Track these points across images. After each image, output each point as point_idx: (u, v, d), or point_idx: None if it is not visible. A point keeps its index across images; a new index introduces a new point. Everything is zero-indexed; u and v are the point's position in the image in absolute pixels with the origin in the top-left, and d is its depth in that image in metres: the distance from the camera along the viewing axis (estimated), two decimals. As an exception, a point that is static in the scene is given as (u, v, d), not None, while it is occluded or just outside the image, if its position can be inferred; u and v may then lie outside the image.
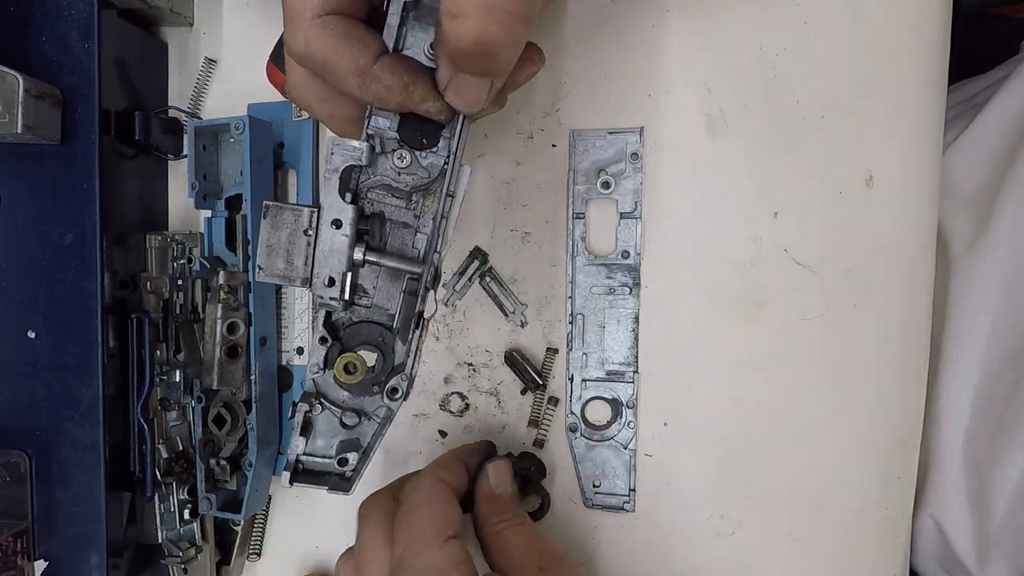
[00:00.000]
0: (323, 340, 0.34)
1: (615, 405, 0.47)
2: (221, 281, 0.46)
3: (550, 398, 0.48)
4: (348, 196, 0.32)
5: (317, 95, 0.33)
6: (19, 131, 0.41)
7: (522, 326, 0.48)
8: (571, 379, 0.47)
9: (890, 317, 0.44)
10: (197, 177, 0.47)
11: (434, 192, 0.34)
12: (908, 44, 0.43)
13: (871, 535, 0.44)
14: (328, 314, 0.34)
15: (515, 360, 0.48)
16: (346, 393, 0.34)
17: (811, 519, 0.45)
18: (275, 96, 0.48)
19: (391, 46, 0.31)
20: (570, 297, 0.47)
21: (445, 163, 0.33)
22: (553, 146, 0.47)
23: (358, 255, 0.32)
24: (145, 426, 0.47)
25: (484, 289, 0.48)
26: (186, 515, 0.49)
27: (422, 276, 0.33)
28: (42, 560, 0.46)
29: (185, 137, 0.50)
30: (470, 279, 0.48)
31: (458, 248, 0.49)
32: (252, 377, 0.47)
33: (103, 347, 0.45)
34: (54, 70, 0.44)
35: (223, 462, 0.48)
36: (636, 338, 0.46)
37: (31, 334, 0.46)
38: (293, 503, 0.52)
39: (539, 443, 0.48)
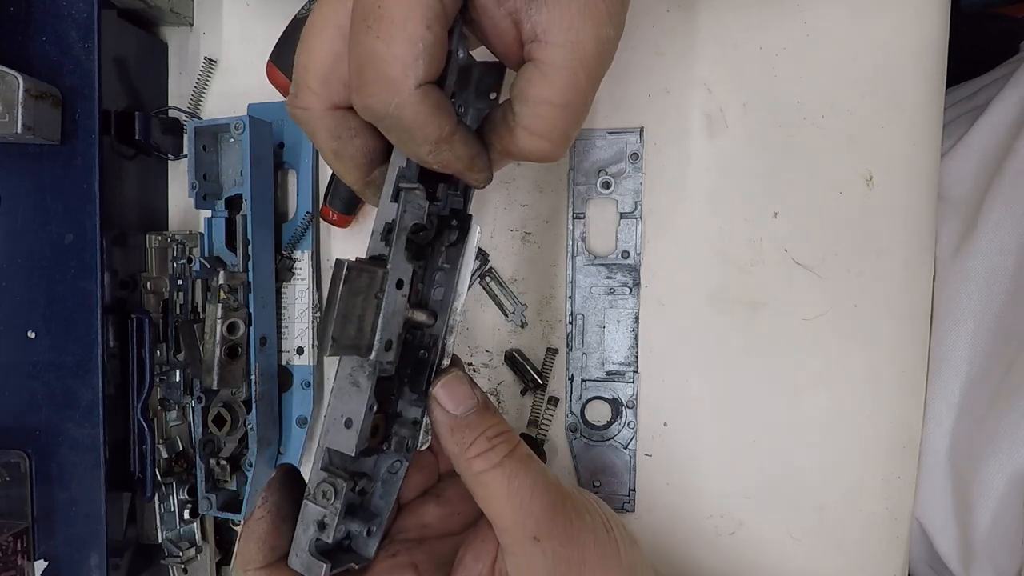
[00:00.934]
0: (372, 408, 0.30)
1: (615, 405, 0.47)
2: (221, 281, 0.46)
3: (550, 398, 0.48)
4: (407, 254, 0.30)
5: (330, 129, 0.31)
6: (19, 131, 0.41)
7: (522, 326, 0.48)
8: (571, 379, 0.47)
9: (890, 317, 0.44)
10: (197, 177, 0.47)
11: (433, 243, 0.33)
12: (908, 44, 0.43)
13: (871, 535, 0.45)
14: (380, 380, 0.30)
15: (515, 360, 0.48)
16: (349, 457, 0.31)
17: (811, 519, 0.45)
18: (275, 96, 0.48)
19: None
20: (570, 297, 0.47)
21: (448, 218, 0.32)
22: (553, 146, 0.47)
23: (411, 315, 0.31)
24: (145, 426, 0.47)
25: (484, 289, 0.48)
26: (186, 515, 0.49)
27: (439, 328, 0.32)
28: (42, 560, 0.46)
29: (185, 137, 0.50)
30: (470, 280, 0.48)
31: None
32: (252, 377, 0.47)
33: (103, 347, 0.45)
34: (54, 70, 0.44)
35: (223, 462, 0.48)
36: (636, 338, 0.46)
37: (31, 334, 0.46)
38: (293, 503, 0.52)
39: (539, 443, 0.48)
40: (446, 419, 0.32)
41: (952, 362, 0.46)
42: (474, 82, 0.33)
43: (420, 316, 0.32)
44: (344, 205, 0.48)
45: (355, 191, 0.34)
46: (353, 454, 0.30)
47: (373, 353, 0.29)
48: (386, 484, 0.33)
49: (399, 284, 0.30)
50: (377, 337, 0.29)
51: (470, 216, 0.33)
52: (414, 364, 0.32)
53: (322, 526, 0.31)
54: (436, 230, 0.32)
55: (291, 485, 0.33)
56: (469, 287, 0.33)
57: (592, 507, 0.33)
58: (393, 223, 0.30)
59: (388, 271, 0.29)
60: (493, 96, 0.34)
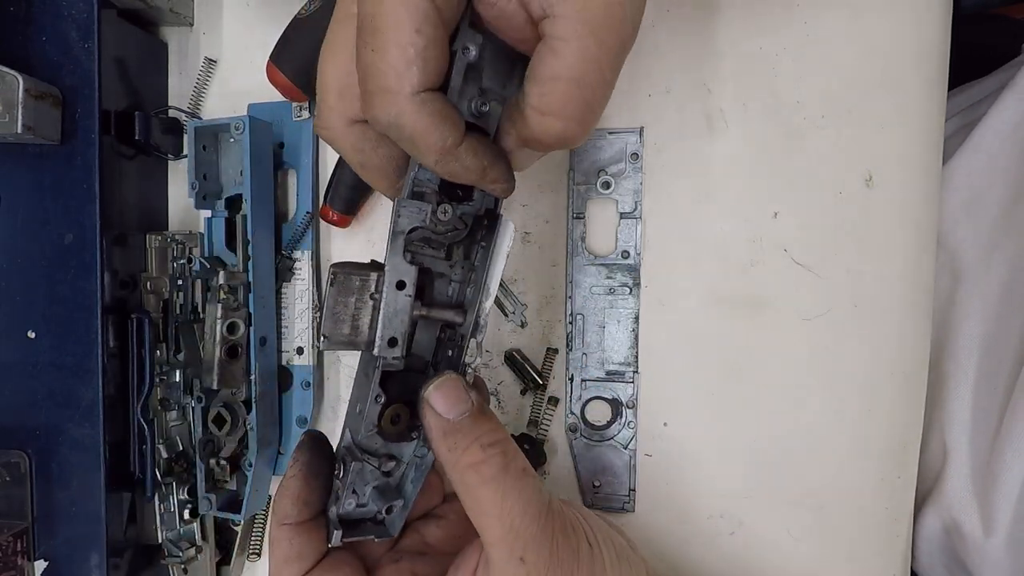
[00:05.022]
0: (378, 398, 0.33)
1: (615, 405, 0.47)
2: (221, 281, 0.46)
3: (550, 398, 0.48)
4: (408, 256, 0.32)
5: (354, 144, 0.32)
6: (19, 131, 0.41)
7: (522, 326, 0.48)
8: (571, 379, 0.47)
9: (890, 317, 0.44)
10: (197, 177, 0.47)
11: (466, 243, 0.34)
12: (908, 44, 0.43)
13: (871, 535, 0.44)
14: (385, 373, 0.33)
15: (515, 360, 0.48)
16: (379, 440, 0.34)
17: (811, 519, 0.45)
18: (275, 96, 0.48)
19: None
20: (570, 297, 0.47)
21: (482, 218, 0.33)
22: (553, 146, 0.47)
23: (418, 313, 0.33)
24: (145, 426, 0.47)
25: (484, 289, 0.48)
26: (186, 515, 0.49)
27: (467, 327, 0.34)
28: (42, 560, 0.46)
29: (185, 137, 0.50)
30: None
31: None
32: (252, 377, 0.47)
33: (103, 347, 0.45)
34: (54, 70, 0.44)
35: (223, 462, 0.48)
36: (636, 338, 0.46)
37: (31, 334, 0.46)
38: (293, 503, 0.52)
39: (539, 443, 0.48)
40: (438, 423, 0.32)
41: (997, 362, 0.46)
42: (496, 76, 0.32)
43: (445, 315, 0.34)
44: (344, 205, 0.48)
45: (388, 198, 0.35)
46: (358, 438, 0.33)
47: (376, 349, 0.32)
48: (415, 469, 0.35)
49: (400, 285, 0.32)
50: (379, 335, 0.32)
51: (499, 215, 0.34)
52: (444, 361, 0.35)
53: (336, 499, 0.34)
54: (470, 230, 0.34)
55: (319, 448, 0.35)
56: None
57: (578, 524, 0.33)
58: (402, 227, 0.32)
59: (382, 274, 0.32)
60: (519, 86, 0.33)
